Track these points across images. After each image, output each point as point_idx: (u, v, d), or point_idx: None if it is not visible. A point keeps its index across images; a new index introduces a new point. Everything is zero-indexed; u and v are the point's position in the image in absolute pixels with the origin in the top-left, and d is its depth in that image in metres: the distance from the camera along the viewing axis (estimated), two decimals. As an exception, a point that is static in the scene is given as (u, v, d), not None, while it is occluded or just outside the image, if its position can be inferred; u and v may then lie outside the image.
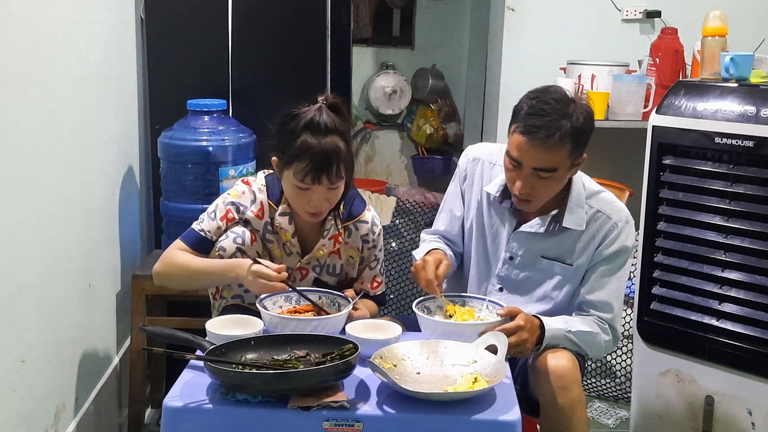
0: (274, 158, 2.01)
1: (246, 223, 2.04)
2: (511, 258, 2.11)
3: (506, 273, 2.12)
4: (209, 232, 2.02)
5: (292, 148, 1.93)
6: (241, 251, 2.00)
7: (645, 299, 2.35)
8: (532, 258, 2.09)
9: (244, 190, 2.06)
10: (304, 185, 1.94)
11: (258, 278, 1.89)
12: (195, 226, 2.06)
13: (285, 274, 1.92)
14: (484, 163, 2.16)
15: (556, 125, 1.89)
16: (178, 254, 2.01)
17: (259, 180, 2.09)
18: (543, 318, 1.95)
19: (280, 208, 2.05)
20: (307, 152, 1.91)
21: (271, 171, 2.10)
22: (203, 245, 2.02)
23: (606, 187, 2.20)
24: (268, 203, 2.06)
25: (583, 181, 2.09)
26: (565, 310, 2.09)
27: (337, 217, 2.08)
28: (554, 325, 1.96)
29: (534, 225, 2.06)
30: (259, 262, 1.92)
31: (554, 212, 2.05)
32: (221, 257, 2.00)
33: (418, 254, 2.17)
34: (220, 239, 2.02)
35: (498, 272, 2.12)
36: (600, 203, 2.07)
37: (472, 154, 2.21)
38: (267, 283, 1.90)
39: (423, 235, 2.31)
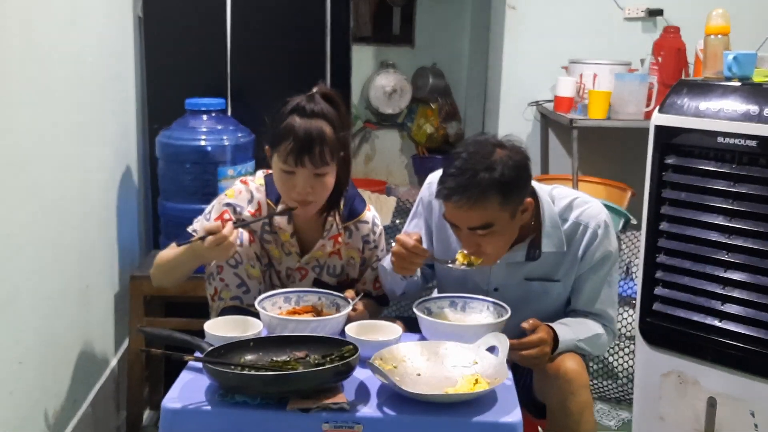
0: (266, 147, 2.01)
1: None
2: (496, 289, 2.07)
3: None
4: (198, 233, 2.00)
5: (279, 131, 1.93)
6: (238, 253, 1.99)
7: (647, 300, 2.34)
8: (518, 283, 2.05)
9: (241, 189, 2.05)
10: (287, 167, 1.93)
11: (210, 236, 1.83)
12: (189, 227, 2.06)
13: (230, 226, 1.85)
14: None
15: (474, 182, 1.80)
16: (163, 252, 2.02)
17: (258, 180, 2.08)
18: (557, 329, 1.93)
19: (279, 208, 2.04)
20: (290, 133, 1.91)
21: (269, 171, 2.09)
22: None
23: (608, 187, 2.19)
24: (267, 203, 2.05)
25: (552, 197, 2.01)
26: (559, 317, 2.07)
27: (336, 216, 2.07)
28: (566, 336, 1.94)
29: (513, 255, 2.01)
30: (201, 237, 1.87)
31: (531, 238, 2.00)
32: None
33: (385, 262, 2.10)
34: None
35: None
36: (575, 213, 2.01)
37: (436, 186, 2.10)
38: (217, 237, 1.82)
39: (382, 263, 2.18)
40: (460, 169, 1.83)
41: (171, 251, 1.99)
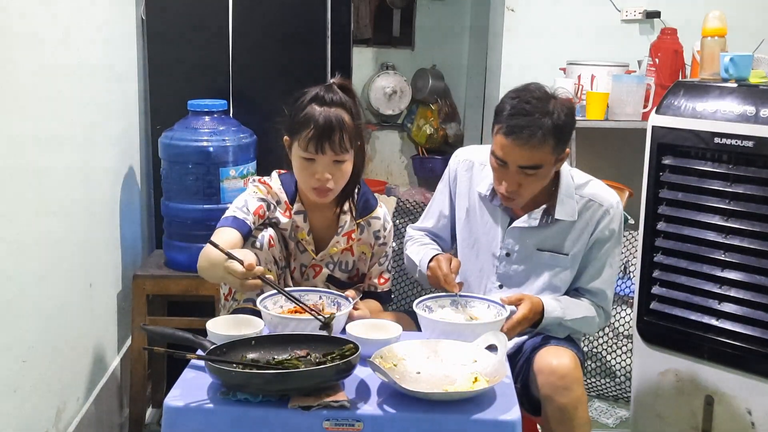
0: (285, 138, 2.03)
1: (268, 225, 2.04)
2: (507, 254, 2.14)
3: (504, 270, 2.15)
4: (248, 220, 1.99)
5: (299, 119, 1.97)
6: (257, 256, 2.00)
7: (645, 299, 2.36)
8: (529, 252, 2.12)
9: (268, 190, 2.07)
10: (308, 155, 1.96)
11: (229, 275, 1.78)
12: (235, 214, 1.99)
13: (258, 269, 1.77)
14: (475, 165, 2.20)
15: (538, 124, 1.92)
16: (210, 249, 1.90)
17: (275, 180, 2.10)
18: (545, 302, 2.02)
19: (295, 207, 2.08)
20: (311, 120, 1.95)
21: (282, 171, 2.11)
22: (248, 232, 1.99)
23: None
24: (285, 203, 2.07)
25: (571, 173, 2.12)
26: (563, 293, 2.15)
27: (352, 208, 2.10)
28: (553, 313, 2.03)
29: (527, 219, 2.10)
30: (232, 256, 1.77)
31: (545, 206, 2.09)
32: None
33: (413, 255, 2.22)
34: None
35: (496, 270, 2.15)
36: (590, 191, 2.11)
37: (462, 156, 2.25)
38: (239, 281, 1.77)
39: (410, 230, 2.34)
40: (520, 110, 1.94)
41: (213, 252, 1.86)
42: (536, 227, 2.09)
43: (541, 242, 2.11)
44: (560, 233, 2.10)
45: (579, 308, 2.09)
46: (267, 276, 1.81)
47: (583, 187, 2.11)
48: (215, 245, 1.80)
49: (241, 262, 1.76)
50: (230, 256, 1.77)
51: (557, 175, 2.08)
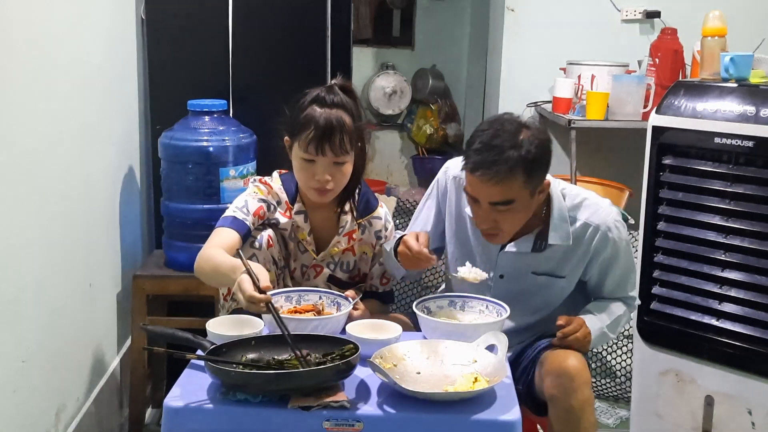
0: (286, 138, 2.03)
1: (267, 225, 2.04)
2: (501, 276, 2.08)
3: (499, 291, 2.08)
4: (247, 221, 2.00)
5: (299, 120, 1.97)
6: (255, 256, 2.01)
7: (645, 299, 2.36)
8: (523, 274, 2.07)
9: (269, 190, 2.07)
10: (308, 155, 1.96)
11: (238, 292, 1.76)
12: (235, 214, 1.99)
13: (266, 296, 1.73)
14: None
15: (504, 158, 1.83)
16: (210, 250, 1.93)
17: (276, 180, 2.10)
18: (585, 319, 1.98)
19: (296, 207, 2.08)
20: (311, 122, 1.96)
21: (283, 171, 2.12)
22: (247, 233, 1.99)
23: (606, 187, 2.21)
24: (285, 203, 2.08)
25: (563, 194, 2.04)
26: (563, 314, 2.07)
27: (353, 209, 2.10)
28: (594, 326, 2.00)
29: (520, 245, 2.03)
30: (251, 272, 1.76)
31: (538, 230, 2.02)
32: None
33: (388, 245, 2.14)
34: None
35: (491, 291, 2.10)
36: (585, 213, 2.02)
37: (452, 170, 2.15)
38: (242, 300, 1.75)
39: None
40: (487, 144, 1.87)
41: (218, 256, 1.89)
42: (529, 252, 2.03)
43: (536, 266, 2.05)
44: (555, 257, 2.03)
45: (609, 310, 2.06)
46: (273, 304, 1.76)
47: (577, 209, 2.02)
48: (241, 257, 1.77)
49: (257, 281, 1.73)
50: (249, 272, 1.74)
51: (548, 199, 2.00)
